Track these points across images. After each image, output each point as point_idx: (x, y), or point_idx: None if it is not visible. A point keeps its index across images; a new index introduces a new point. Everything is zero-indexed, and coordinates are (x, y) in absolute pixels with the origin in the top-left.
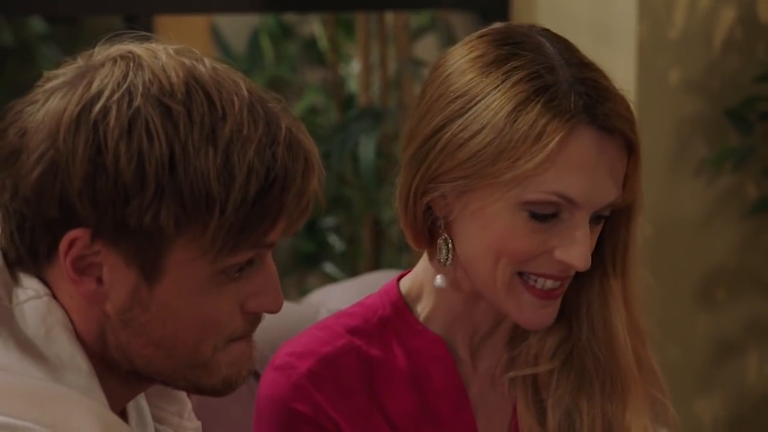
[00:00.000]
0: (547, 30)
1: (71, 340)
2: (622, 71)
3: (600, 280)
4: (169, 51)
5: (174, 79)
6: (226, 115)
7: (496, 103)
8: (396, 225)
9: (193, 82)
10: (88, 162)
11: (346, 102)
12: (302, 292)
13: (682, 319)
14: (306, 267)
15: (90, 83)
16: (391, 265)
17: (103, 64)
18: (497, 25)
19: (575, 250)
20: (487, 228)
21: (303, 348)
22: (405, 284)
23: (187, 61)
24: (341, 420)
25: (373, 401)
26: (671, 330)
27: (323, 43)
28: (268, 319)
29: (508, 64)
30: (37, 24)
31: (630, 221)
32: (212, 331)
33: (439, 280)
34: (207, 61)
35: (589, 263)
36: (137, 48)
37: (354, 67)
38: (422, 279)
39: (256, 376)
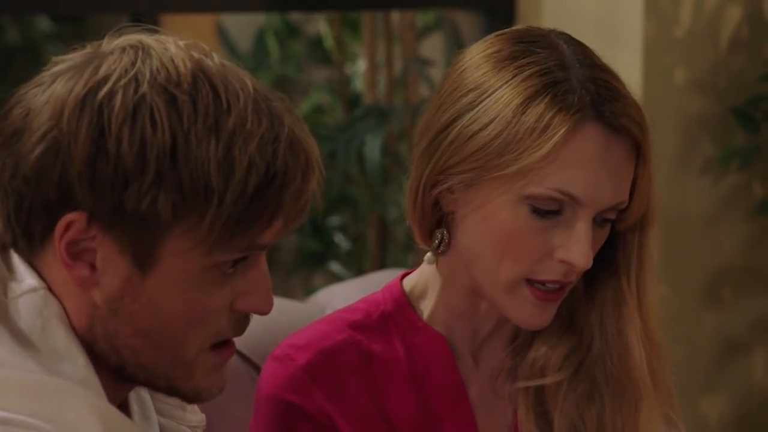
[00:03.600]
0: (566, 34)
1: (67, 332)
2: (628, 70)
3: (614, 293)
4: (178, 43)
5: (182, 69)
6: (231, 108)
7: (505, 96)
8: (402, 224)
9: (200, 74)
10: (90, 144)
11: (352, 101)
12: (308, 291)
13: (688, 318)
14: (311, 266)
15: (97, 68)
16: (396, 264)
17: (111, 52)
18: (519, 26)
19: (576, 248)
20: (489, 221)
21: (304, 341)
22: (409, 282)
23: (195, 54)
24: (336, 414)
25: (371, 397)
26: (677, 329)
27: (329, 42)
28: (274, 318)
29: (521, 60)
30: (43, 23)
31: (643, 233)
32: (200, 328)
33: (427, 256)
34: (215, 56)
35: (590, 262)
36: (147, 38)
37: (360, 66)
38: (426, 278)
39: (259, 370)
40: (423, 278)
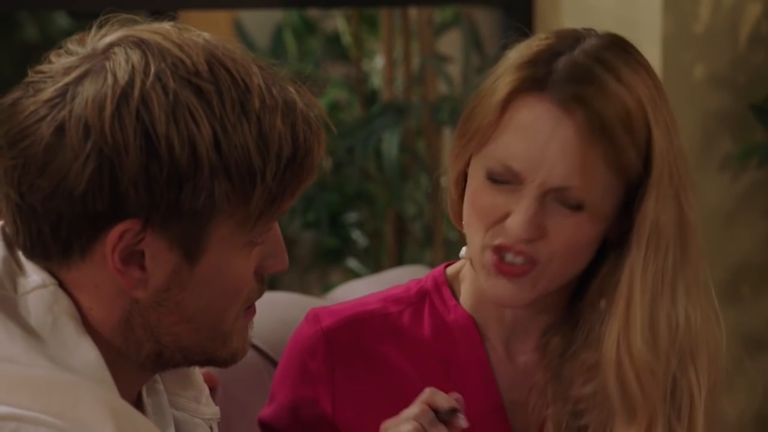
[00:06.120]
0: (613, 34)
1: (78, 328)
2: None
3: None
4: (170, 31)
5: (195, 58)
6: (249, 88)
7: (491, 75)
8: (419, 220)
9: (212, 59)
10: (140, 152)
11: (370, 97)
12: (325, 287)
13: None
14: (329, 262)
15: (114, 73)
16: (413, 261)
17: (112, 52)
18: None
19: (514, 217)
20: (469, 190)
21: (338, 306)
22: (451, 268)
23: (195, 38)
24: (339, 385)
25: (387, 371)
26: None
27: (347, 39)
28: (291, 315)
29: (531, 47)
30: (61, 19)
31: (622, 252)
32: (237, 299)
33: (463, 250)
34: (201, 33)
35: (523, 234)
36: (136, 32)
37: (377, 63)
38: (464, 263)
39: (276, 366)
40: (462, 263)
